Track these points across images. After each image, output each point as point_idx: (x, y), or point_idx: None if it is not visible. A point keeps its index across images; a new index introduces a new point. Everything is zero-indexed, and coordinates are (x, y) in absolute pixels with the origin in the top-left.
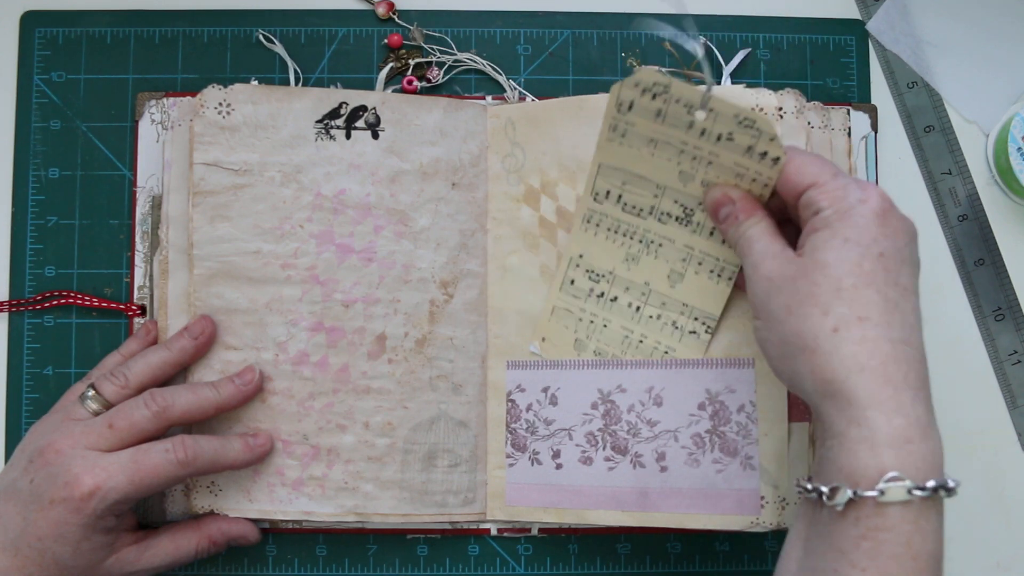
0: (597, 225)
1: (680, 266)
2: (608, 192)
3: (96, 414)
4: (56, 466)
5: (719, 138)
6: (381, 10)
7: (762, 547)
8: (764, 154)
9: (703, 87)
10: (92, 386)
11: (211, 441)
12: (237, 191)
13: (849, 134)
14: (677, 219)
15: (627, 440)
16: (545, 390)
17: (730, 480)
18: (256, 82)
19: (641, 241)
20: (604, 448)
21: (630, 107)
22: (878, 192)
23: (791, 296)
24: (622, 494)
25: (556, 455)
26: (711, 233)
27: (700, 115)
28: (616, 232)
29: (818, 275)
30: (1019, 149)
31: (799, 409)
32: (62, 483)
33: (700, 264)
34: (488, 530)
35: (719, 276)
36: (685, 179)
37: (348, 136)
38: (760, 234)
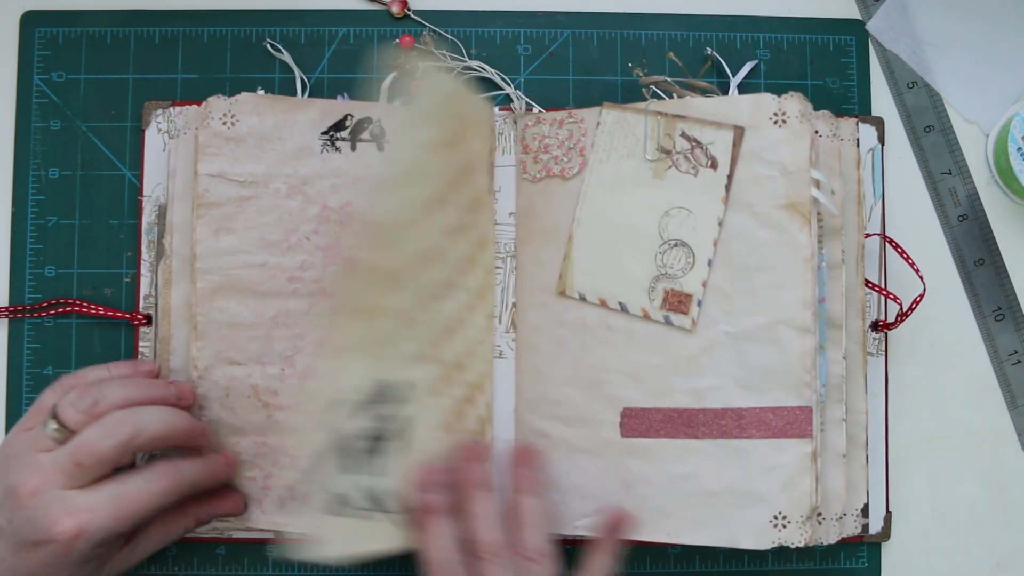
0: None
1: None
2: None
3: (58, 441)
4: (33, 509)
5: None
6: (395, 8)
7: None
8: None
9: None
10: (55, 415)
11: (193, 464)
12: (242, 203)
13: (858, 145)
14: None
15: None
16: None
17: None
18: (262, 90)
19: None
20: None
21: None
22: None
23: None
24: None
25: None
26: None
27: None
28: None
29: None
30: (1019, 149)
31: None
32: (43, 528)
33: None
34: None
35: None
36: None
37: (354, 148)
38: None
